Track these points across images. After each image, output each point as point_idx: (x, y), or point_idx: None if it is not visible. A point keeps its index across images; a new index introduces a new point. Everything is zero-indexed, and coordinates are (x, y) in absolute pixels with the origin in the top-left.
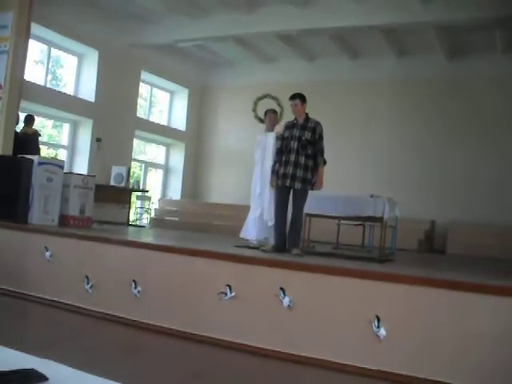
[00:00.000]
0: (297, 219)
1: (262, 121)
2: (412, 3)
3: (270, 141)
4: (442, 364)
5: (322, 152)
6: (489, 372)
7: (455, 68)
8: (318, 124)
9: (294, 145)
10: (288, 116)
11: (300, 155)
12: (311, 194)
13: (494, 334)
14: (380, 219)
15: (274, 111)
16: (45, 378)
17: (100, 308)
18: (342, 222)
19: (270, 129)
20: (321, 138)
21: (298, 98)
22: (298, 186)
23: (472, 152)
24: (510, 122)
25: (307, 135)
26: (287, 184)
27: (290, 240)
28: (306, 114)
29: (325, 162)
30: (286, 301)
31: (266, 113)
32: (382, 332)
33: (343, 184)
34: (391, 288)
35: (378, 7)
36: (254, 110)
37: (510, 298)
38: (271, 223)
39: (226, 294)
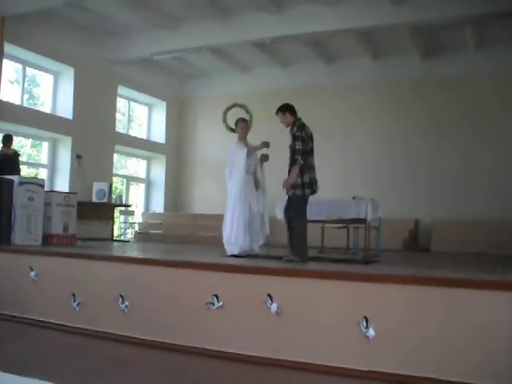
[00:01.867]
0: (293, 227)
1: (233, 130)
2: (383, 6)
3: (240, 158)
4: (432, 361)
5: (293, 151)
6: (480, 367)
7: (430, 67)
8: (294, 126)
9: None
10: (256, 123)
11: (290, 164)
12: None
13: (484, 328)
14: (363, 221)
15: (244, 120)
16: None
17: (88, 325)
18: (327, 225)
19: (243, 137)
20: (294, 137)
21: (279, 111)
22: (288, 193)
23: (453, 151)
24: (488, 118)
25: (290, 143)
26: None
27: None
28: (294, 121)
29: (299, 162)
30: (274, 307)
31: (236, 122)
32: (371, 332)
33: (326, 188)
34: (377, 288)
35: (351, 11)
36: (225, 121)
37: (496, 291)
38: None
39: (213, 303)
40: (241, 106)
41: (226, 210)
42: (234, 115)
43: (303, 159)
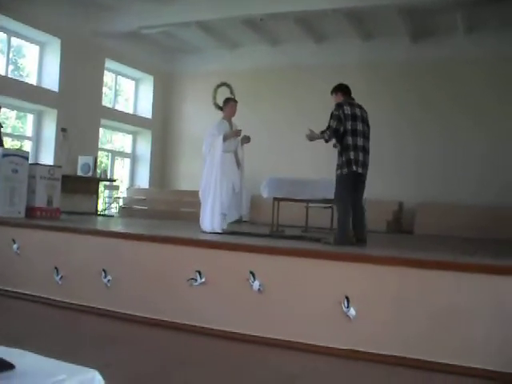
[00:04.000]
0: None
1: (220, 108)
2: None
3: (218, 143)
4: (411, 341)
5: (328, 127)
6: (458, 346)
7: (420, 49)
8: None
9: None
10: (242, 100)
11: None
12: (279, 178)
13: (462, 309)
14: None
15: (235, 100)
16: (11, 366)
17: (71, 299)
18: (311, 205)
19: (229, 117)
20: (330, 116)
21: (332, 91)
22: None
23: (441, 134)
24: (476, 102)
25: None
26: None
27: (363, 230)
28: (338, 102)
29: (325, 137)
30: (256, 284)
31: (227, 101)
32: (352, 312)
33: (312, 168)
34: (359, 268)
35: None
36: (214, 98)
37: (475, 274)
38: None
39: (195, 280)
40: (228, 85)
41: (204, 192)
42: (220, 94)
43: (341, 139)
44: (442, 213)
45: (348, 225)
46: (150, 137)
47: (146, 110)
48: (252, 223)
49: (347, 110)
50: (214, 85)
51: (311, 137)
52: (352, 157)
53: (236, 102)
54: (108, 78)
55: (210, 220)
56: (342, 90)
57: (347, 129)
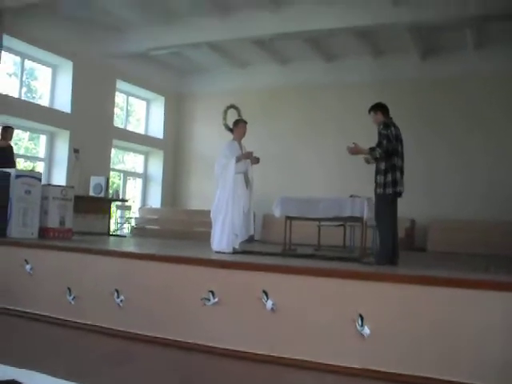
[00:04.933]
0: (378, 228)
1: (231, 130)
2: (383, 5)
3: (231, 165)
4: (426, 360)
5: (378, 144)
6: (475, 367)
7: (430, 66)
8: (379, 126)
9: None
10: (252, 120)
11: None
12: (290, 197)
13: (477, 328)
14: (360, 219)
15: (245, 122)
16: None
17: (83, 319)
18: (323, 223)
19: (239, 138)
20: (379, 134)
21: (371, 109)
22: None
23: (451, 151)
24: (486, 118)
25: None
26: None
27: (398, 251)
28: (384, 120)
29: (374, 153)
30: (270, 304)
31: (237, 122)
32: (366, 330)
33: (325, 186)
34: (373, 286)
35: (350, 9)
36: (224, 119)
37: (490, 291)
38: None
39: (209, 299)
40: (236, 108)
41: (216, 212)
42: (230, 115)
43: (387, 159)
44: (455, 229)
45: (390, 245)
46: (161, 157)
47: (157, 130)
48: (264, 242)
49: (393, 130)
50: (225, 105)
51: (356, 150)
52: (393, 178)
53: (246, 123)
54: (119, 98)
55: (220, 239)
56: (382, 109)
57: (394, 149)
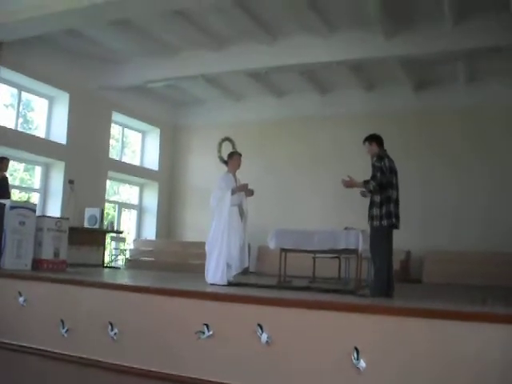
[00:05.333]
0: (373, 260)
1: (225, 162)
2: (376, 39)
3: (226, 197)
4: None
5: (372, 177)
6: None
7: (422, 100)
8: (373, 158)
9: None
10: (248, 152)
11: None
12: (285, 229)
13: (473, 360)
14: (355, 251)
15: (240, 154)
16: None
17: (77, 352)
18: (318, 255)
19: (233, 170)
20: (372, 167)
21: (366, 140)
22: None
23: (446, 182)
24: (482, 152)
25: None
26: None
27: (393, 284)
28: (378, 152)
29: (368, 187)
30: (264, 337)
31: (232, 154)
32: (362, 364)
33: (321, 218)
34: (368, 319)
35: (344, 43)
36: (219, 151)
37: (485, 323)
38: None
39: (203, 332)
40: (230, 140)
41: (211, 245)
42: (224, 148)
43: (381, 191)
44: (450, 260)
45: (385, 277)
46: (156, 188)
47: (152, 161)
48: (259, 274)
49: (387, 162)
50: (220, 137)
51: (350, 184)
52: (392, 209)
53: (240, 155)
54: (115, 130)
55: (215, 272)
56: (377, 140)
57: (388, 181)
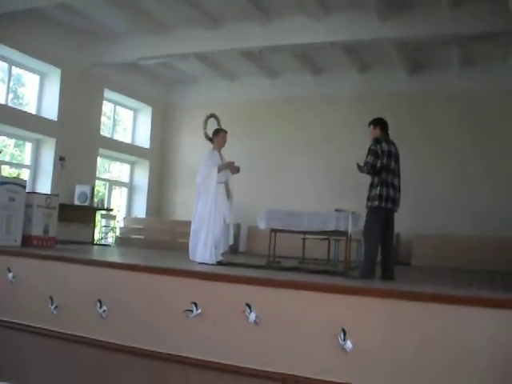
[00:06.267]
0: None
1: (210, 139)
2: (371, 20)
3: (212, 175)
4: (409, 375)
5: (366, 163)
6: (458, 381)
7: (415, 83)
8: (371, 143)
9: None
10: (238, 131)
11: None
12: (276, 210)
13: (460, 343)
14: (344, 233)
15: (226, 131)
16: None
17: (65, 329)
18: (308, 236)
19: (219, 148)
20: (368, 151)
21: (371, 123)
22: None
23: (436, 167)
24: (473, 136)
25: None
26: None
27: (390, 266)
28: (375, 137)
29: (363, 169)
30: (253, 316)
31: (218, 131)
32: (349, 345)
33: (313, 198)
34: (356, 301)
35: (339, 24)
36: (205, 128)
37: (470, 307)
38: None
39: (191, 311)
40: (216, 117)
41: (199, 223)
42: (210, 125)
43: (378, 173)
44: (439, 244)
45: (375, 258)
46: (147, 166)
47: (144, 139)
48: (248, 254)
49: (384, 146)
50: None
51: (360, 169)
52: (384, 192)
53: (226, 132)
54: (107, 107)
55: (204, 251)
56: (381, 124)
57: (382, 165)
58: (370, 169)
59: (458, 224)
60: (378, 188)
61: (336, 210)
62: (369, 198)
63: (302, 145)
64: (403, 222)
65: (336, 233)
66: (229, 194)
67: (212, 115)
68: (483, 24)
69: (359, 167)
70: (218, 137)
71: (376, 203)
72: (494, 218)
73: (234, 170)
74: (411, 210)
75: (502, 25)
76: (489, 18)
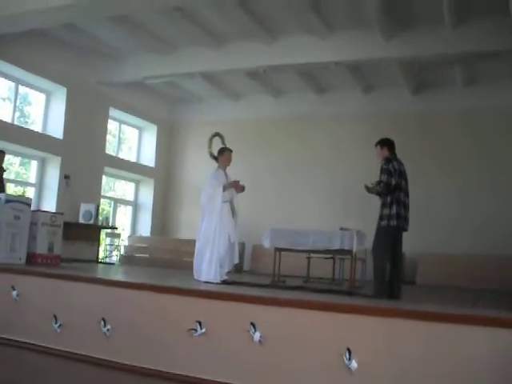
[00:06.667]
0: (373, 259)
1: (215, 158)
2: (375, 40)
3: (218, 194)
4: None
5: (379, 182)
6: None
7: (420, 102)
8: (382, 161)
9: None
10: (243, 150)
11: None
12: (280, 228)
13: (464, 363)
14: (349, 252)
15: (231, 150)
16: None
17: (69, 348)
18: (313, 255)
19: (224, 167)
20: (380, 170)
21: (378, 144)
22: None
23: (439, 185)
24: (478, 155)
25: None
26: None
27: (398, 285)
28: (386, 156)
29: (377, 190)
30: (257, 336)
31: (223, 150)
32: (354, 364)
33: (318, 217)
34: (361, 320)
35: (343, 43)
36: (210, 147)
37: (476, 326)
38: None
39: (196, 330)
40: (220, 136)
41: (204, 242)
42: (215, 144)
43: (391, 192)
44: (444, 263)
45: (386, 277)
46: (152, 185)
47: (149, 158)
48: (253, 273)
49: (395, 165)
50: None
51: (369, 190)
52: (397, 211)
53: (231, 151)
54: (112, 126)
55: (209, 269)
56: (388, 145)
57: (395, 183)
58: (385, 188)
59: (461, 242)
60: (394, 207)
61: (341, 229)
62: (382, 217)
63: (308, 162)
64: (407, 241)
65: (341, 251)
66: (234, 213)
67: (217, 134)
68: (486, 42)
69: (368, 189)
70: (223, 156)
71: (391, 222)
72: (497, 235)
73: (239, 188)
74: (415, 229)
75: (506, 42)
76: (492, 36)
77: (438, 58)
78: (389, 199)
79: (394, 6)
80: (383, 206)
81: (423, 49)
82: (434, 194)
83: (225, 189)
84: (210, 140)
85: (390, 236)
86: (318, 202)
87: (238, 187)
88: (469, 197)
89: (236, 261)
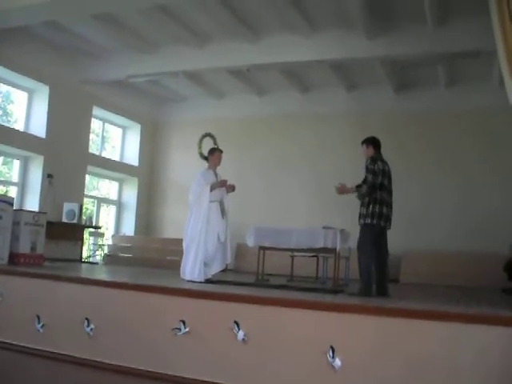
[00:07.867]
0: (358, 258)
1: (205, 158)
2: (358, 39)
3: (205, 193)
4: None
5: (365, 182)
6: None
7: (403, 100)
8: (367, 160)
9: None
10: (228, 149)
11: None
12: (264, 227)
13: (447, 360)
14: (333, 250)
15: (221, 150)
16: None
17: (52, 348)
18: (296, 254)
19: (214, 167)
20: (366, 169)
21: (364, 142)
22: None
23: (422, 183)
24: (457, 155)
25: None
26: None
27: (385, 283)
28: (371, 156)
29: (363, 191)
30: (241, 334)
31: (213, 151)
32: (337, 362)
33: (303, 216)
34: (345, 318)
35: (326, 42)
36: (200, 147)
37: (458, 323)
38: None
39: (180, 329)
40: (212, 136)
41: (189, 241)
42: (205, 144)
43: (373, 192)
44: (428, 261)
45: (372, 275)
46: (136, 184)
47: (132, 157)
48: (237, 271)
49: (380, 164)
50: (201, 134)
51: (343, 190)
52: (378, 210)
53: (221, 151)
54: (95, 125)
55: (193, 269)
56: (374, 143)
57: (380, 183)
58: (369, 188)
59: (444, 240)
60: (372, 206)
61: (324, 228)
62: (361, 216)
63: (293, 161)
64: (391, 240)
65: (324, 250)
66: (223, 213)
67: (208, 134)
68: (467, 42)
69: (357, 189)
70: (213, 156)
71: (369, 220)
72: (478, 233)
73: (229, 188)
74: (397, 227)
75: (486, 43)
76: (472, 36)
77: (420, 58)
78: (367, 198)
79: (376, 5)
80: (363, 204)
81: (405, 48)
82: (415, 193)
83: (212, 188)
84: (201, 140)
85: (370, 234)
86: (304, 200)
87: (227, 187)
88: (450, 196)
89: (228, 260)
